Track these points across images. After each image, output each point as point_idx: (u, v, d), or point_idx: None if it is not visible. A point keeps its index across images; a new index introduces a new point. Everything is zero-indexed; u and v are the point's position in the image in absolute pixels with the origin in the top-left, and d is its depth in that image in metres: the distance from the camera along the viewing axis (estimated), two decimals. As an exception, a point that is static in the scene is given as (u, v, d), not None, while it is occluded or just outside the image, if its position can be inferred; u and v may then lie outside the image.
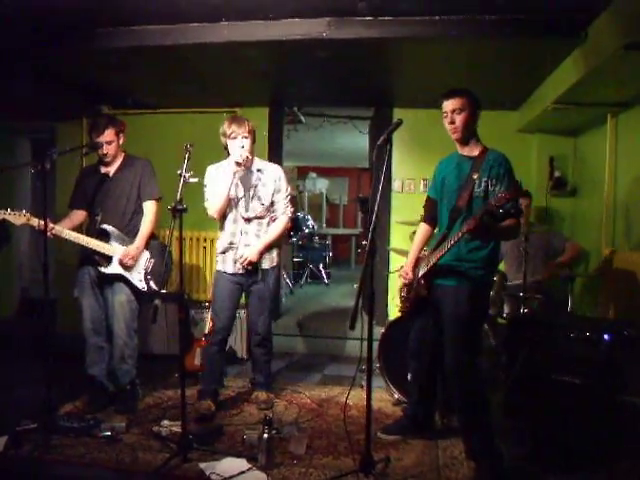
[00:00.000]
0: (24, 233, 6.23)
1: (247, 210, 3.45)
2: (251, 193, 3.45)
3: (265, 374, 3.71)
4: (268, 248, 3.51)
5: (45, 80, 4.39)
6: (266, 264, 3.52)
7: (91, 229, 3.49)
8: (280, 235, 3.57)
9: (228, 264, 3.48)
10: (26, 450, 2.80)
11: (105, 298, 3.50)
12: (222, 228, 3.53)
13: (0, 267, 5.68)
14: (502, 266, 4.49)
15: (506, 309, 3.80)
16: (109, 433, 3.00)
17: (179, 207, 2.74)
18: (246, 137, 3.35)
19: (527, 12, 3.10)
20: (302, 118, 6.26)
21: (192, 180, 2.92)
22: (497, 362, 3.52)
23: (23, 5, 3.11)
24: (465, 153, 2.84)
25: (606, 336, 2.82)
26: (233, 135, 3.33)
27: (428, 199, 3.13)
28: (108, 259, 3.41)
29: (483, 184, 2.69)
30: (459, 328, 2.77)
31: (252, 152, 3.46)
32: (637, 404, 2.62)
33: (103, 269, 3.40)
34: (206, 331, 4.03)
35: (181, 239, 2.87)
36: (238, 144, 3.32)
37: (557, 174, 4.92)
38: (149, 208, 3.54)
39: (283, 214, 3.55)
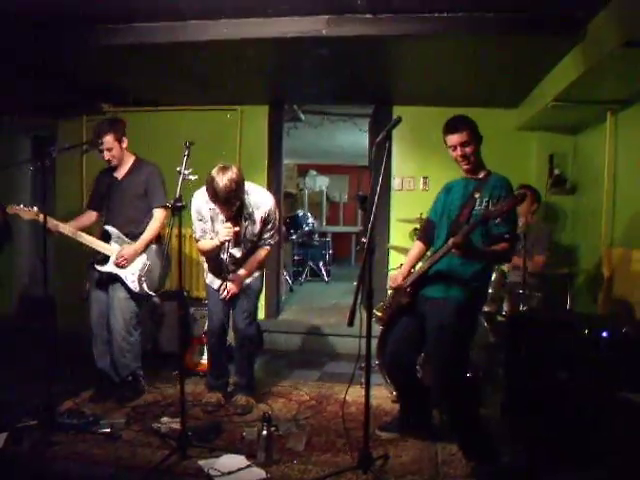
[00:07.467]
0: (23, 231, 6.23)
1: (238, 250, 3.41)
2: (241, 238, 3.37)
3: (247, 377, 3.61)
4: (250, 275, 3.49)
5: (45, 77, 4.38)
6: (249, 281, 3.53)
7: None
8: (262, 263, 3.55)
9: (216, 283, 3.51)
10: (26, 447, 2.81)
11: (107, 295, 3.58)
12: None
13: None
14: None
15: (505, 307, 3.80)
16: (108, 430, 3.01)
17: (178, 204, 2.74)
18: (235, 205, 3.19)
19: (527, 10, 3.10)
20: (302, 116, 6.26)
21: (191, 177, 2.93)
22: (496, 360, 3.52)
23: (23, 2, 3.11)
24: (471, 176, 2.89)
25: (605, 334, 2.82)
26: (217, 211, 3.24)
27: (427, 220, 3.17)
28: (106, 258, 3.53)
29: (484, 203, 2.74)
30: (445, 340, 2.76)
31: (242, 197, 3.25)
32: (636, 402, 2.62)
33: (99, 267, 3.54)
34: (206, 328, 4.04)
35: (180, 236, 2.88)
36: (222, 219, 3.24)
37: (557, 172, 4.92)
38: (156, 215, 3.60)
39: (268, 245, 3.50)
